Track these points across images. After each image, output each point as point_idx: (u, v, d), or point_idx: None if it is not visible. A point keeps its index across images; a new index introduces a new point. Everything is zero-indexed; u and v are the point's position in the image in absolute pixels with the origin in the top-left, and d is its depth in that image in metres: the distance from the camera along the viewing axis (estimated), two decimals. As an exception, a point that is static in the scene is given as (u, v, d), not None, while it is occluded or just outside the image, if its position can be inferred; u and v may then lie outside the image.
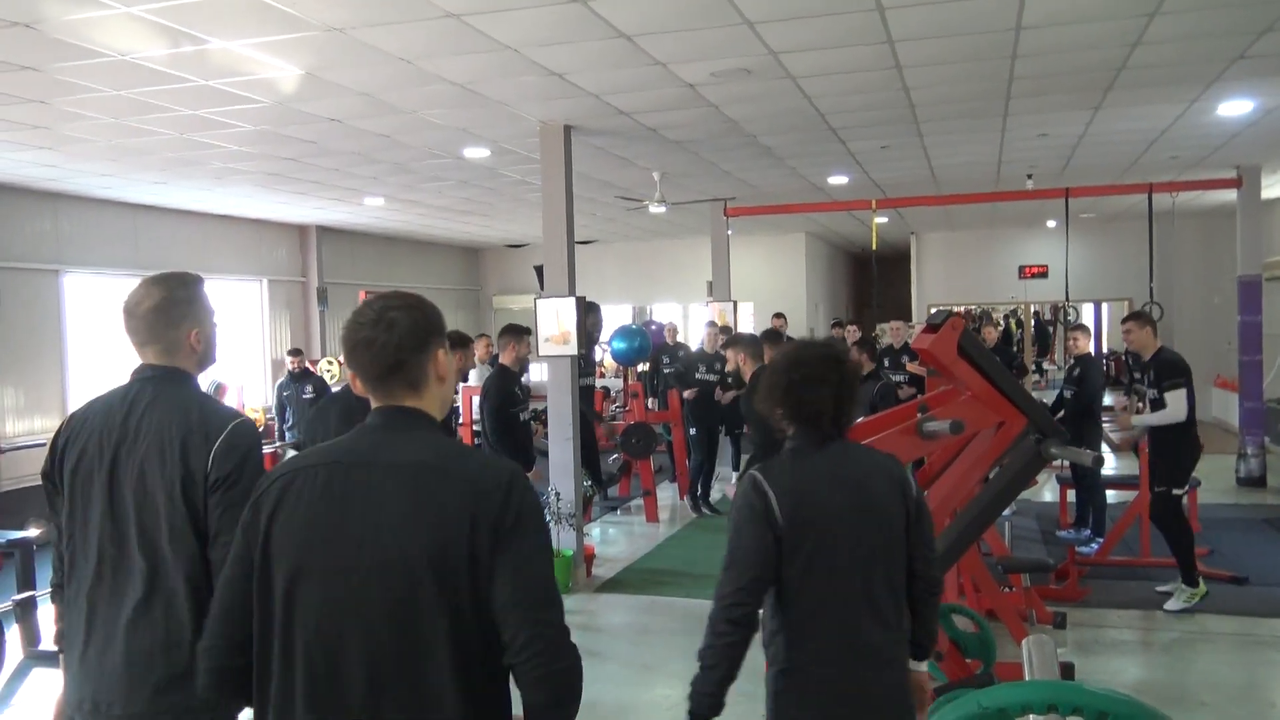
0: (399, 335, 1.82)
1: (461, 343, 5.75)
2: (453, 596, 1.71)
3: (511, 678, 1.78)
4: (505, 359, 6.77)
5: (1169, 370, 6.42)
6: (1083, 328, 8.56)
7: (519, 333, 6.78)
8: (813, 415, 2.53)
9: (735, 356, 6.71)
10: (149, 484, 2.31)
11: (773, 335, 6.92)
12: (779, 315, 12.26)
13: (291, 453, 5.81)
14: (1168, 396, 6.32)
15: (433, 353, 1.88)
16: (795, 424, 2.57)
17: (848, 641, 2.44)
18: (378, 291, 1.98)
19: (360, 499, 1.76)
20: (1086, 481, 8.02)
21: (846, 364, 2.60)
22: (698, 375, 9.86)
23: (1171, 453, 6.40)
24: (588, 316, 9.24)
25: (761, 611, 2.51)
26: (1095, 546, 7.67)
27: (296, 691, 1.75)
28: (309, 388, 10.96)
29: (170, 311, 2.44)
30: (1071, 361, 8.27)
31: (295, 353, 11.33)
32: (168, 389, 2.40)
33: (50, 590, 2.57)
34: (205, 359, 2.52)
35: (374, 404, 1.89)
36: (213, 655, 1.84)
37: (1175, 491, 6.34)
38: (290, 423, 11.22)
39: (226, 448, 2.31)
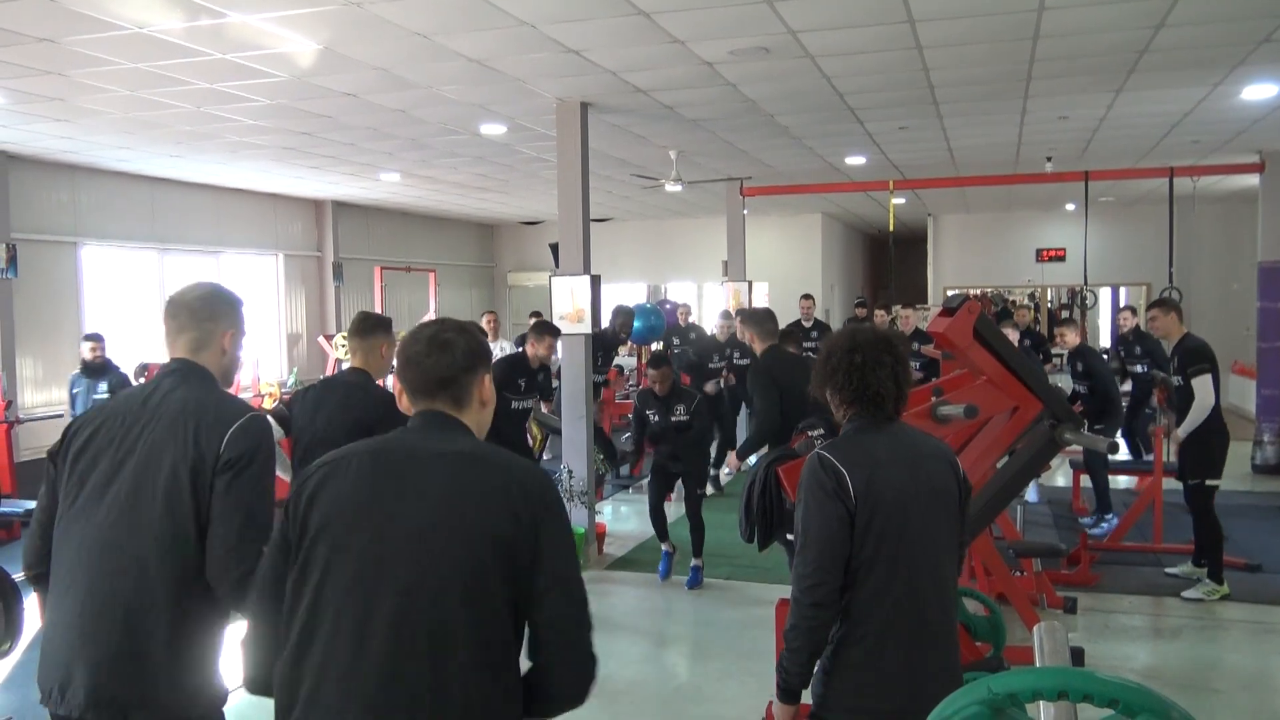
0: (453, 355, 1.96)
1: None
2: (483, 576, 1.78)
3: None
4: (528, 349, 6.70)
5: (1193, 356, 6.32)
6: (1070, 322, 8.43)
7: (541, 332, 6.60)
8: (876, 396, 2.55)
9: (746, 333, 6.67)
10: (154, 462, 2.30)
11: (795, 330, 6.88)
12: (807, 296, 12.04)
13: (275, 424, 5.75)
14: (1194, 383, 6.22)
15: (480, 376, 2.00)
16: (857, 405, 2.58)
17: (913, 623, 2.44)
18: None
19: (404, 480, 1.85)
20: (1094, 463, 7.96)
21: (899, 346, 2.64)
22: (710, 365, 9.83)
23: (1202, 441, 6.27)
24: (618, 319, 9.23)
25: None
26: (1105, 527, 7.65)
27: (321, 663, 1.77)
28: (103, 385, 8.20)
29: (215, 304, 2.54)
30: (1066, 357, 8.16)
31: (93, 338, 8.46)
32: (191, 380, 2.45)
33: (25, 578, 2.49)
34: (230, 368, 2.58)
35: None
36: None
37: (1210, 482, 6.24)
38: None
39: (241, 432, 2.34)
